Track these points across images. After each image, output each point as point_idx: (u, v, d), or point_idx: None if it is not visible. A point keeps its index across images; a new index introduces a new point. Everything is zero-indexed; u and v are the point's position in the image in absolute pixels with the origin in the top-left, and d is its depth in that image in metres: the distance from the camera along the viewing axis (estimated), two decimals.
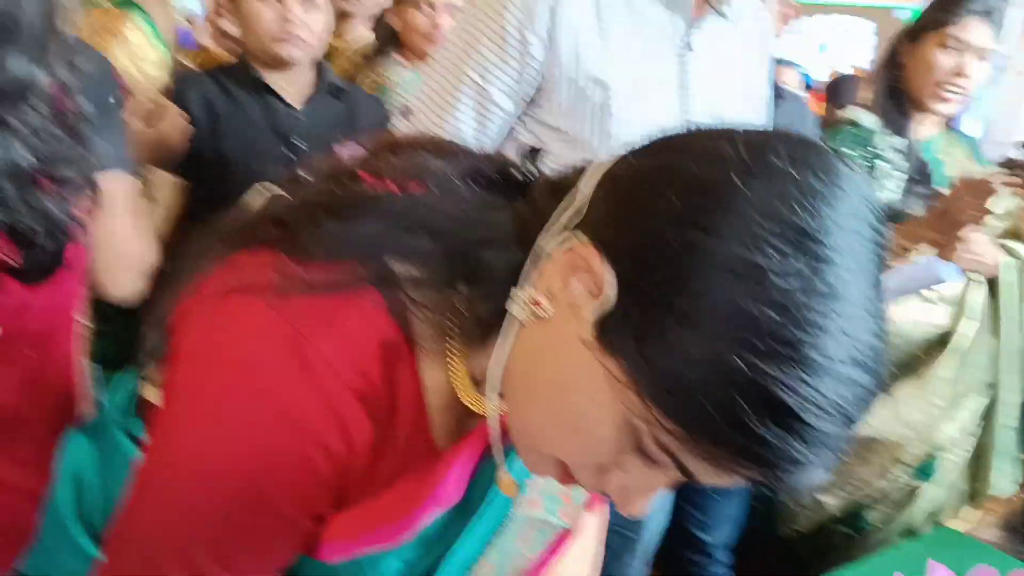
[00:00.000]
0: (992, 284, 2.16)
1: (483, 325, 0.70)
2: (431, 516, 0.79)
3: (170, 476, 0.69)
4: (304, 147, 1.87)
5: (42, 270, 0.87)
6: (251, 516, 0.68)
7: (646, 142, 0.68)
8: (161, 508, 0.69)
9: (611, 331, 0.61)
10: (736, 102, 1.53)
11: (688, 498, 2.18)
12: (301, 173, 0.84)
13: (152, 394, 0.83)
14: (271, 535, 0.70)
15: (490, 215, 0.72)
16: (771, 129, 0.63)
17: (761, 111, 1.62)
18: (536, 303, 0.65)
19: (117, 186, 1.38)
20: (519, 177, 0.77)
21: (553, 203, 0.68)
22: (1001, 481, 2.33)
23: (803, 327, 0.55)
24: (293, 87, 1.93)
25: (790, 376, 0.55)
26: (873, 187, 0.62)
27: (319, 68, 1.98)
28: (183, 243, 0.79)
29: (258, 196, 0.83)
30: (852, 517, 2.29)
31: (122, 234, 1.29)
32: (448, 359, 0.73)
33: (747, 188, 0.58)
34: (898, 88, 2.16)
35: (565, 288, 0.64)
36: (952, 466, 2.33)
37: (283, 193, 0.81)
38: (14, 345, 0.77)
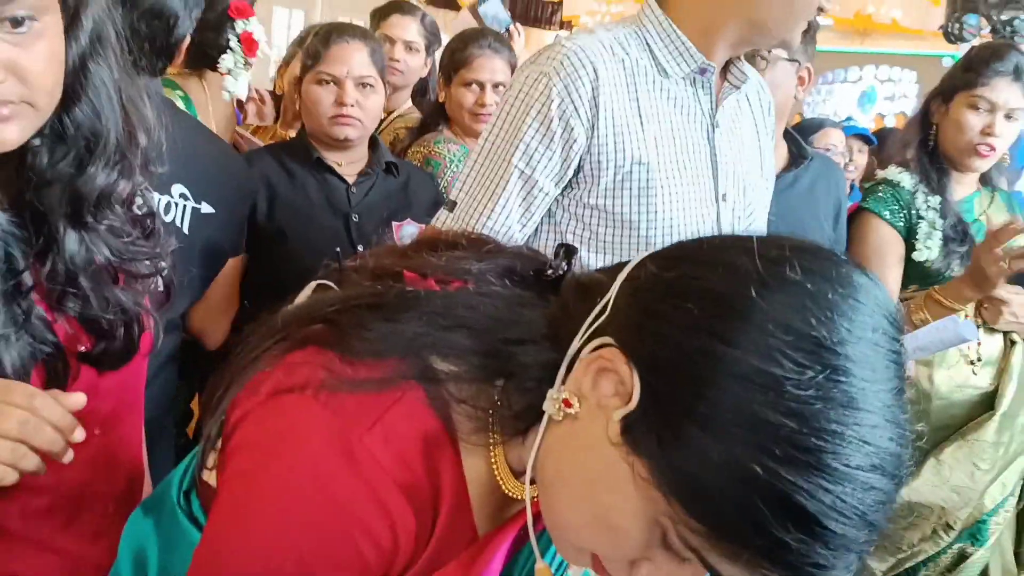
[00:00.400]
0: None
1: (520, 420, 0.73)
2: None
3: (226, 556, 0.72)
4: (358, 221, 1.94)
5: (115, 357, 0.93)
6: None
7: (667, 249, 0.71)
8: None
9: (636, 432, 0.63)
10: (754, 173, 1.57)
11: None
12: (350, 267, 0.88)
13: (211, 478, 0.88)
14: None
15: (524, 313, 0.76)
16: (788, 242, 0.65)
17: (771, 178, 1.67)
18: (567, 403, 0.68)
19: (231, 264, 1.61)
20: (551, 274, 0.81)
21: (582, 304, 0.72)
22: None
23: (821, 436, 0.57)
24: (349, 163, 2.00)
25: (810, 483, 0.57)
26: (888, 296, 0.64)
27: (374, 144, 2.06)
28: (241, 339, 0.83)
29: (310, 291, 0.88)
30: None
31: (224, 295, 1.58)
32: (489, 450, 0.76)
33: (763, 301, 0.60)
34: (934, 147, 2.18)
35: (594, 388, 0.67)
36: (999, 529, 2.29)
37: (333, 287, 0.85)
38: (84, 425, 0.82)
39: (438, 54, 2.71)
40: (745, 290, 0.61)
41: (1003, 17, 4.87)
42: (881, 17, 7.05)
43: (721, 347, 0.60)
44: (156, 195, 1.36)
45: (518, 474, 0.77)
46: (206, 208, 1.50)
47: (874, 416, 0.59)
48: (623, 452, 0.64)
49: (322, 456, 0.69)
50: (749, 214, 1.55)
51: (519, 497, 0.78)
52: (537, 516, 0.76)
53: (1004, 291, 2.02)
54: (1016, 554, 2.34)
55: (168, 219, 1.42)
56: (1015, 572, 2.28)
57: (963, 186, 2.20)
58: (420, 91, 2.88)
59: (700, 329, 0.61)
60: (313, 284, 0.88)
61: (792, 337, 0.59)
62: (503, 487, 0.77)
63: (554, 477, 0.71)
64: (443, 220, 1.46)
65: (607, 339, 0.67)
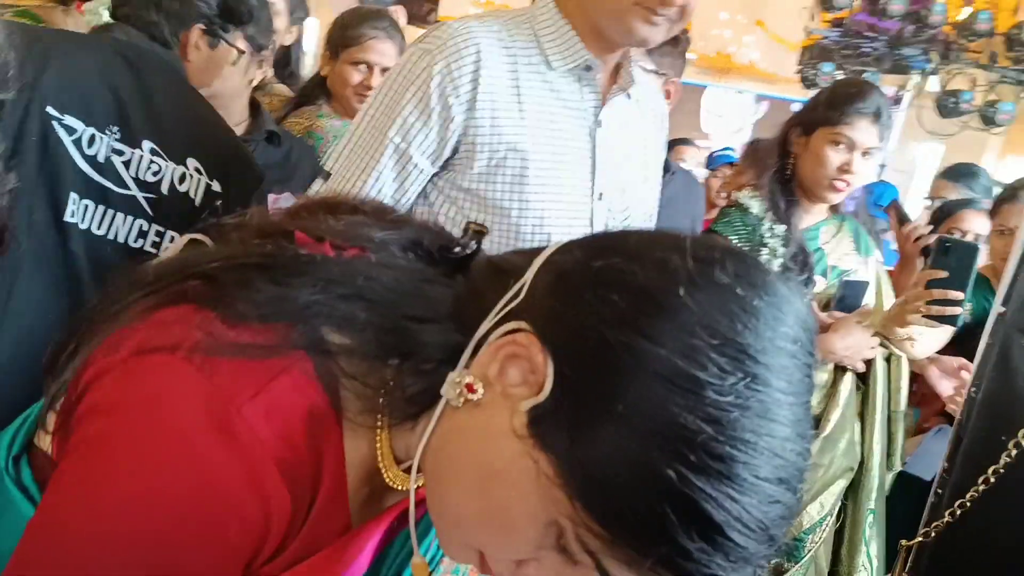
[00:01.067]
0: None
1: (413, 403, 0.67)
2: None
3: (71, 531, 0.62)
4: None
5: None
6: None
7: (594, 237, 0.66)
8: (58, 556, 0.62)
9: (544, 425, 0.58)
10: (637, 178, 1.57)
11: None
12: (229, 224, 0.79)
13: (45, 443, 0.77)
14: None
15: (429, 290, 0.70)
16: (719, 244, 0.63)
17: (656, 189, 1.67)
18: (470, 387, 0.62)
19: None
20: (459, 252, 0.75)
21: (494, 285, 0.66)
22: (864, 562, 2.39)
23: (736, 444, 0.55)
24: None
25: (719, 492, 0.54)
26: (808, 310, 0.62)
27: (256, 111, 1.92)
28: (101, 290, 0.73)
29: (182, 246, 0.79)
30: None
31: None
32: (375, 432, 0.69)
33: (691, 300, 0.57)
34: (790, 176, 2.23)
35: (500, 375, 0.61)
36: (815, 547, 2.38)
37: (208, 244, 0.77)
38: None
39: (308, 23, 2.58)
40: (674, 287, 0.57)
41: (854, 68, 5.17)
42: (740, 58, 7.35)
43: (645, 343, 0.56)
44: (172, 164, 1.33)
45: (401, 462, 0.71)
46: (216, 186, 1.44)
47: (786, 429, 0.57)
48: (528, 446, 0.59)
49: (193, 426, 0.60)
50: (625, 217, 1.54)
51: (399, 487, 0.71)
52: (417, 506, 0.70)
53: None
54: (831, 573, 2.45)
55: (183, 190, 1.37)
56: None
57: (812, 215, 2.26)
58: (283, 62, 2.70)
59: (624, 323, 0.57)
60: (186, 238, 0.79)
61: (717, 341, 0.56)
62: (384, 475, 0.71)
63: (446, 468, 0.64)
64: (316, 191, 1.42)
65: (522, 324, 0.62)
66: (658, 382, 0.55)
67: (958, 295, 1.99)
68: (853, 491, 2.32)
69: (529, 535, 0.60)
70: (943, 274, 2.00)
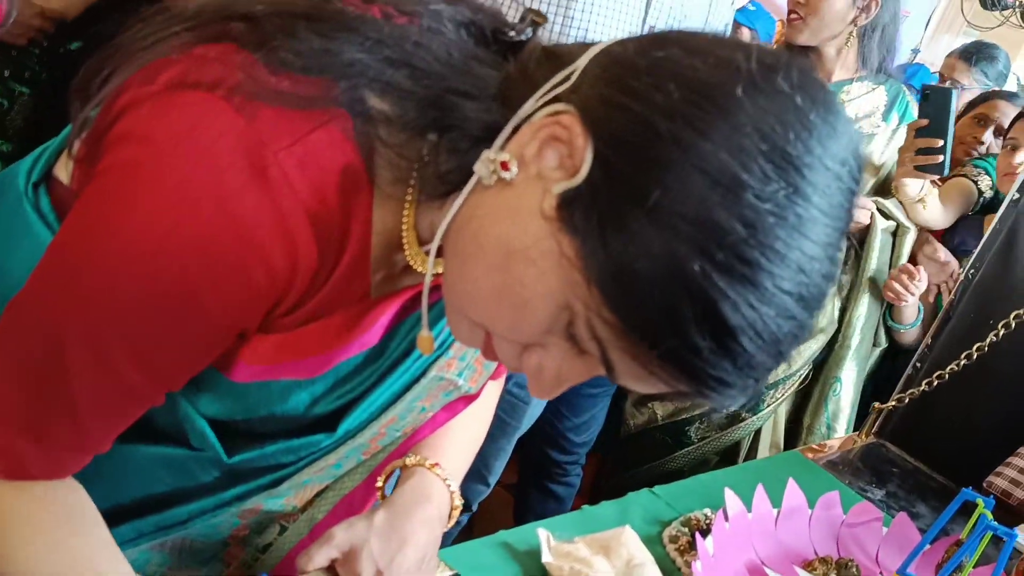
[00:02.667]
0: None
1: (445, 180, 0.64)
2: (349, 355, 0.74)
3: (96, 252, 0.60)
4: None
5: None
6: (175, 314, 0.60)
7: (656, 32, 0.62)
8: (79, 284, 0.60)
9: (575, 209, 0.55)
10: (697, 17, 1.50)
11: (564, 399, 2.21)
12: None
13: (66, 173, 0.74)
14: (190, 339, 0.63)
15: (477, 68, 0.65)
16: (787, 55, 0.58)
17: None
18: (504, 165, 0.59)
19: None
20: (514, 38, 0.70)
21: (544, 71, 0.62)
22: (823, 427, 2.45)
23: (765, 251, 0.52)
24: None
25: (739, 295, 0.52)
26: (860, 139, 0.58)
27: None
28: (137, 18, 0.68)
29: None
30: (676, 429, 2.37)
31: None
32: (403, 205, 0.66)
33: (749, 102, 0.53)
34: None
35: (537, 156, 0.58)
36: (776, 403, 2.43)
37: None
38: None
39: None
40: (732, 86, 0.53)
41: None
42: None
43: (693, 136, 0.52)
44: None
45: (424, 243, 0.69)
46: None
47: (816, 248, 0.54)
48: (554, 228, 0.56)
49: (229, 165, 0.57)
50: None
51: (418, 267, 0.69)
52: (431, 292, 0.68)
53: None
54: (788, 430, 2.52)
55: None
56: (781, 445, 2.44)
57: (843, 69, 2.15)
58: None
59: (675, 113, 0.53)
60: None
61: (767, 146, 0.52)
62: (406, 250, 0.68)
63: (468, 244, 0.61)
64: None
65: (568, 107, 0.58)
66: (699, 176, 0.52)
67: (937, 142, 1.95)
68: (825, 358, 2.35)
69: (541, 316, 0.58)
70: (925, 122, 1.96)
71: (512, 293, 0.58)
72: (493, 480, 2.02)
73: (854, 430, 2.31)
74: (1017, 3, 4.73)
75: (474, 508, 2.08)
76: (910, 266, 2.08)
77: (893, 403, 1.68)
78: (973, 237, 2.18)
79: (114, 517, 0.77)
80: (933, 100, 1.95)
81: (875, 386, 2.38)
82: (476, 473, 1.76)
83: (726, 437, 2.37)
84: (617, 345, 0.56)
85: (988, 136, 2.59)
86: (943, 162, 1.95)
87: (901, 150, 2.04)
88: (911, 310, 2.17)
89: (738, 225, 0.51)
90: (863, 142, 0.59)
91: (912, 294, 2.07)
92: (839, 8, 2.03)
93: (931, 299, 2.24)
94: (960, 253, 2.23)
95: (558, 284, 0.56)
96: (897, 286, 2.08)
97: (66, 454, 0.65)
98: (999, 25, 4.85)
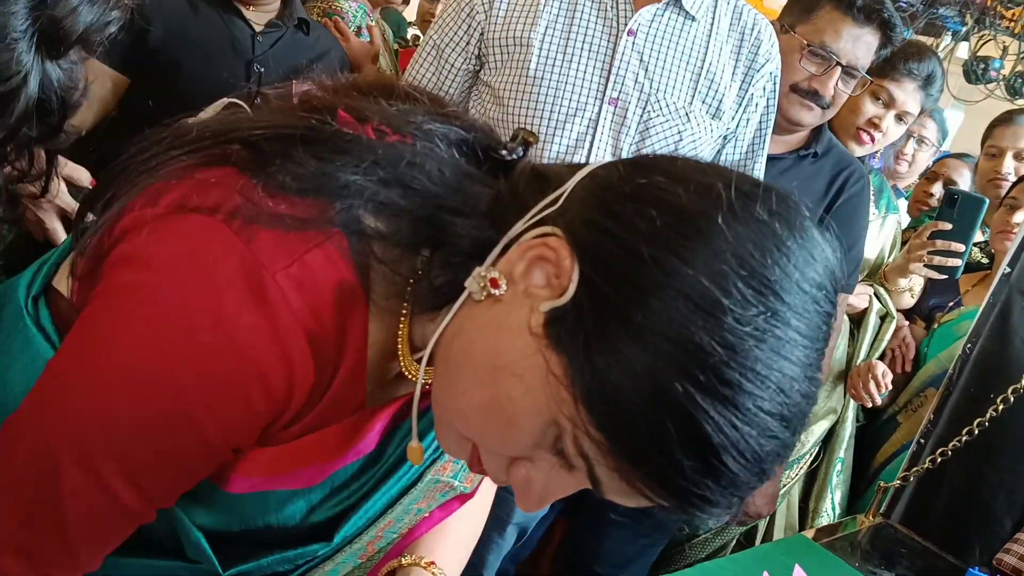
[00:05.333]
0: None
1: (438, 294, 0.66)
2: (345, 464, 0.75)
3: (94, 373, 0.61)
4: (261, 72, 1.77)
5: None
6: (171, 434, 0.62)
7: (641, 157, 0.65)
8: (76, 403, 0.62)
9: (561, 327, 0.57)
10: (680, 97, 1.54)
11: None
12: (272, 95, 0.77)
13: (65, 286, 0.76)
14: (186, 458, 0.64)
15: (469, 186, 0.68)
16: (766, 184, 0.61)
17: (722, 118, 1.60)
18: (494, 282, 0.61)
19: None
20: (505, 157, 0.73)
21: (533, 191, 0.65)
22: (827, 507, 2.43)
23: (746, 373, 0.54)
24: (258, 9, 1.82)
25: (722, 415, 0.54)
26: (837, 260, 0.61)
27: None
28: (139, 141, 0.71)
29: (219, 111, 0.77)
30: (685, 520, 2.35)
31: None
32: (399, 319, 0.68)
33: (728, 229, 0.56)
34: None
35: (525, 275, 0.60)
36: (790, 484, 2.41)
37: (248, 112, 0.75)
38: None
39: None
40: (712, 213, 0.56)
41: None
42: (772, 2, 7.14)
43: (674, 260, 0.55)
44: None
45: (416, 351, 0.70)
46: None
47: (796, 369, 0.56)
48: (541, 344, 0.58)
49: (226, 286, 0.60)
50: (643, 130, 1.53)
51: (411, 376, 0.71)
52: (422, 398, 0.70)
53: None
54: (801, 509, 2.49)
55: None
56: (796, 527, 2.42)
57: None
58: None
59: (657, 238, 0.56)
60: (224, 101, 0.77)
61: (745, 271, 0.55)
62: (400, 361, 0.70)
63: (458, 357, 0.64)
64: None
65: (555, 228, 0.61)
66: (681, 300, 0.54)
67: (959, 247, 1.98)
68: (828, 438, 2.36)
69: (529, 432, 0.60)
70: (948, 226, 1.99)
71: (500, 408, 0.60)
72: (489, 575, 1.99)
73: (847, 506, 2.31)
74: (1001, 76, 4.83)
75: None
76: (879, 373, 2.13)
77: (898, 482, 1.66)
78: (949, 296, 2.24)
79: None
80: (962, 205, 1.99)
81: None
82: (470, 568, 1.73)
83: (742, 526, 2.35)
84: (603, 462, 0.58)
85: (937, 188, 2.69)
86: (958, 267, 2.00)
87: (913, 246, 2.08)
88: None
89: (719, 347, 0.53)
90: (838, 267, 0.61)
91: (876, 399, 2.15)
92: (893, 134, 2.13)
93: (899, 370, 2.29)
94: (935, 310, 2.29)
95: (545, 400, 0.58)
96: (865, 394, 2.15)
97: (56, 573, 0.65)
98: (985, 98, 4.95)
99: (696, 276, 0.54)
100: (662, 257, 0.55)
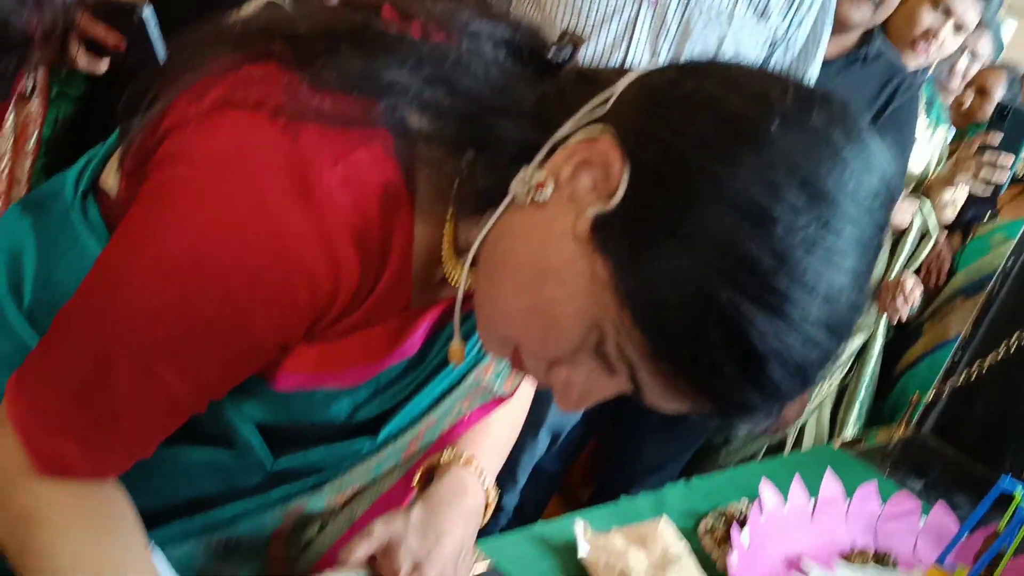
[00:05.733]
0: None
1: (482, 197, 0.66)
2: (390, 364, 0.76)
3: (142, 268, 0.62)
4: None
5: None
6: (219, 330, 0.63)
7: (694, 62, 0.63)
8: (127, 300, 0.63)
9: (608, 232, 0.57)
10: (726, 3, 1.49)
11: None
12: None
13: (112, 184, 0.76)
14: (234, 353, 0.66)
15: (514, 87, 0.67)
16: (821, 89, 0.59)
17: (760, 8, 1.55)
18: (539, 186, 0.61)
19: None
20: (551, 58, 0.72)
21: (580, 93, 0.63)
22: (854, 418, 2.46)
23: (794, 283, 0.53)
24: None
25: (768, 324, 0.53)
26: (894, 170, 0.60)
27: None
28: (182, 37, 0.71)
29: (260, 4, 0.76)
30: (724, 426, 2.38)
31: None
32: (443, 221, 0.68)
33: (781, 137, 0.55)
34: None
35: (573, 178, 0.60)
36: (821, 397, 2.43)
37: (291, 9, 0.74)
38: None
39: None
40: (766, 120, 0.55)
41: None
42: None
43: (724, 168, 0.54)
44: None
45: (460, 254, 0.71)
46: None
47: (845, 279, 0.55)
48: (586, 249, 0.58)
49: (272, 184, 0.60)
50: (682, 30, 1.49)
51: (453, 279, 0.71)
52: (465, 301, 0.70)
53: None
54: (829, 422, 2.52)
55: None
56: (824, 439, 2.45)
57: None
58: None
59: (708, 146, 0.55)
60: None
61: (797, 181, 0.54)
62: (444, 264, 0.71)
63: (501, 261, 0.64)
64: None
65: (604, 131, 0.60)
66: (730, 210, 0.53)
67: (1008, 159, 1.95)
68: (860, 353, 2.37)
69: (571, 335, 0.60)
70: (997, 138, 1.95)
71: (542, 311, 0.60)
72: (522, 477, 2.04)
73: (866, 420, 2.34)
74: None
75: (507, 509, 2.10)
76: (907, 289, 2.12)
77: (933, 393, 1.66)
78: (986, 208, 2.22)
79: (161, 517, 0.80)
80: (1013, 119, 1.96)
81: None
82: (504, 470, 1.79)
83: (772, 435, 2.38)
84: (645, 367, 0.58)
85: (969, 96, 2.65)
86: (1006, 181, 1.98)
87: (961, 158, 2.05)
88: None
89: (767, 257, 0.53)
90: (895, 178, 0.59)
91: (903, 315, 2.17)
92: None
93: (932, 283, 2.27)
94: (972, 222, 2.28)
95: (589, 305, 0.58)
96: (893, 309, 2.16)
97: (110, 458, 0.68)
98: None
99: (746, 185, 0.53)
100: (711, 165, 0.54)
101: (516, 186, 0.62)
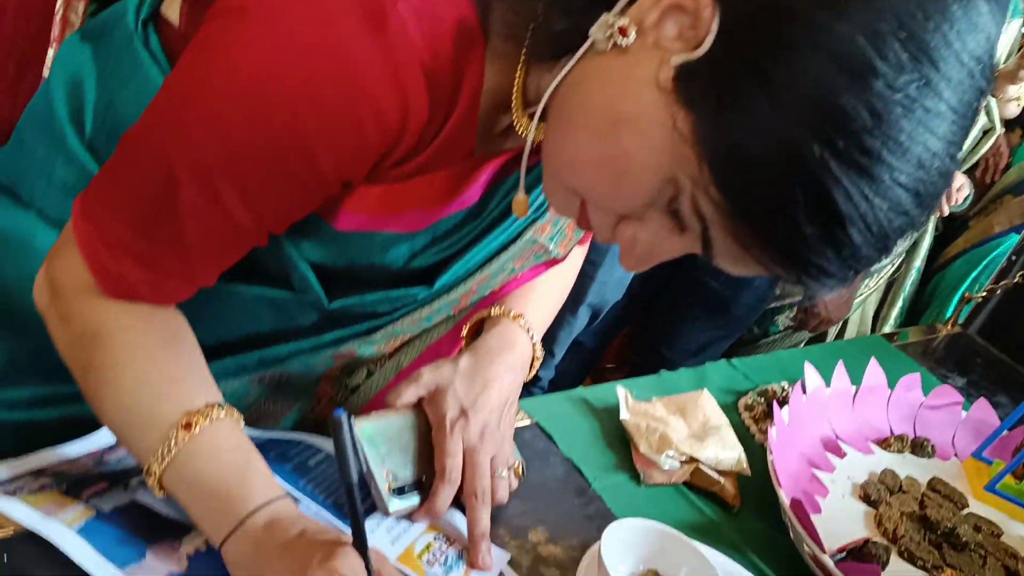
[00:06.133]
0: None
1: (557, 42, 0.63)
2: (450, 212, 0.76)
3: (210, 92, 0.61)
4: None
5: None
6: (284, 159, 0.63)
7: None
8: (194, 121, 0.62)
9: (692, 82, 0.55)
10: None
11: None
12: None
13: (174, 12, 0.75)
14: (298, 184, 0.65)
15: None
16: None
17: None
18: (622, 31, 0.58)
19: None
20: None
21: None
22: (895, 314, 2.45)
23: (888, 143, 0.51)
24: None
25: (855, 185, 0.51)
26: (997, 39, 0.56)
27: None
28: None
29: None
30: (764, 317, 2.38)
31: None
32: (515, 65, 0.66)
33: None
34: None
35: (658, 25, 0.57)
36: (868, 292, 2.41)
37: None
38: None
39: None
40: None
41: None
42: None
43: (828, 16, 0.50)
44: None
45: (529, 104, 0.69)
46: None
47: (940, 144, 0.53)
48: (668, 100, 0.55)
49: (347, 12, 0.58)
50: None
51: (522, 128, 0.69)
52: (531, 154, 0.68)
53: None
54: (874, 317, 2.52)
55: None
56: (867, 333, 2.44)
57: None
58: None
59: None
60: None
61: (904, 34, 0.50)
62: (512, 112, 0.69)
63: (576, 109, 0.62)
64: None
65: None
66: (829, 59, 0.50)
67: None
68: (910, 249, 2.35)
69: (644, 188, 0.58)
70: None
71: (616, 163, 0.58)
72: (559, 352, 2.07)
73: (907, 316, 2.33)
74: None
75: (543, 382, 2.13)
76: (954, 187, 2.10)
77: (984, 294, 1.64)
78: None
79: (219, 351, 0.82)
80: None
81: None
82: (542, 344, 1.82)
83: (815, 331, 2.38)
84: (720, 224, 0.56)
85: None
86: None
87: None
88: (964, 192, 2.20)
89: (864, 113, 0.50)
90: (997, 44, 0.56)
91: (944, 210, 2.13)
92: None
93: (987, 179, 2.22)
94: None
95: (666, 158, 0.56)
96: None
97: (173, 282, 0.69)
98: None
99: (850, 34, 0.50)
100: (813, 11, 0.51)
101: (596, 31, 0.59)
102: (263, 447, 0.69)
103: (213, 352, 0.76)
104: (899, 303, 2.42)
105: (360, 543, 0.61)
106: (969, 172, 2.33)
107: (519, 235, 0.84)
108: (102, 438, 0.78)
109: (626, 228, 0.62)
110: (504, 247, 0.84)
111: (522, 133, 0.69)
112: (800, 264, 0.55)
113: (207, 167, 0.63)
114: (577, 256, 1.00)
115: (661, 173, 0.57)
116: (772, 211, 0.53)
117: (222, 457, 0.66)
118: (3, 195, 0.84)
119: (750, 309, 2.17)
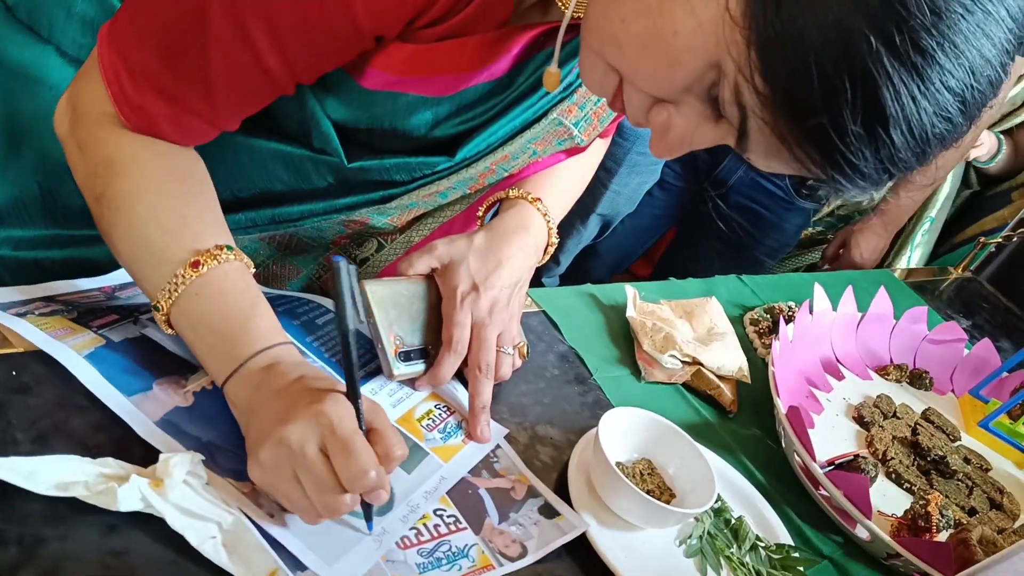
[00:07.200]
0: None
1: None
2: (477, 83, 0.75)
3: None
4: None
5: None
6: (320, 4, 0.61)
7: None
8: None
9: None
10: None
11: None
12: None
13: None
14: (330, 32, 0.64)
15: None
16: None
17: None
18: None
19: None
20: None
21: None
22: (904, 263, 2.45)
23: (944, 43, 0.50)
24: None
25: (904, 83, 0.50)
26: None
27: None
28: None
29: None
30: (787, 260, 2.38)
31: None
32: None
33: None
34: None
35: None
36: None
37: None
38: None
39: None
40: None
41: None
42: None
43: None
44: None
45: None
46: None
47: (993, 52, 0.52)
48: None
49: None
50: None
51: (561, 2, 0.68)
52: (567, 31, 0.67)
53: None
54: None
55: None
56: None
57: None
58: None
59: None
60: None
61: None
62: None
63: None
64: None
65: None
66: None
67: None
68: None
69: (686, 70, 0.57)
70: None
71: (661, 41, 0.57)
72: (565, 261, 2.06)
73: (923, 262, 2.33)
74: None
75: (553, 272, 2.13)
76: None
77: (999, 239, 1.63)
78: None
79: (233, 206, 0.82)
80: None
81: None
82: None
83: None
84: (760, 114, 0.55)
85: None
86: None
87: None
88: (984, 148, 2.14)
89: (923, 10, 0.49)
90: None
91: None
92: None
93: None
94: None
95: (713, 40, 0.54)
96: None
97: (196, 121, 0.68)
98: None
99: None
100: None
101: None
102: (272, 301, 0.70)
103: (226, 207, 0.76)
104: (908, 251, 2.41)
105: (352, 391, 0.62)
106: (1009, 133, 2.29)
107: (544, 114, 0.83)
108: (114, 276, 0.78)
109: (661, 112, 0.61)
110: (528, 125, 0.83)
111: (563, 6, 0.68)
112: (835, 160, 0.54)
113: (240, 4, 0.62)
114: (598, 149, 0.99)
115: (705, 57, 0.55)
116: (816, 103, 0.52)
117: (228, 298, 0.67)
118: (22, 31, 0.82)
119: (771, 251, 2.17)
